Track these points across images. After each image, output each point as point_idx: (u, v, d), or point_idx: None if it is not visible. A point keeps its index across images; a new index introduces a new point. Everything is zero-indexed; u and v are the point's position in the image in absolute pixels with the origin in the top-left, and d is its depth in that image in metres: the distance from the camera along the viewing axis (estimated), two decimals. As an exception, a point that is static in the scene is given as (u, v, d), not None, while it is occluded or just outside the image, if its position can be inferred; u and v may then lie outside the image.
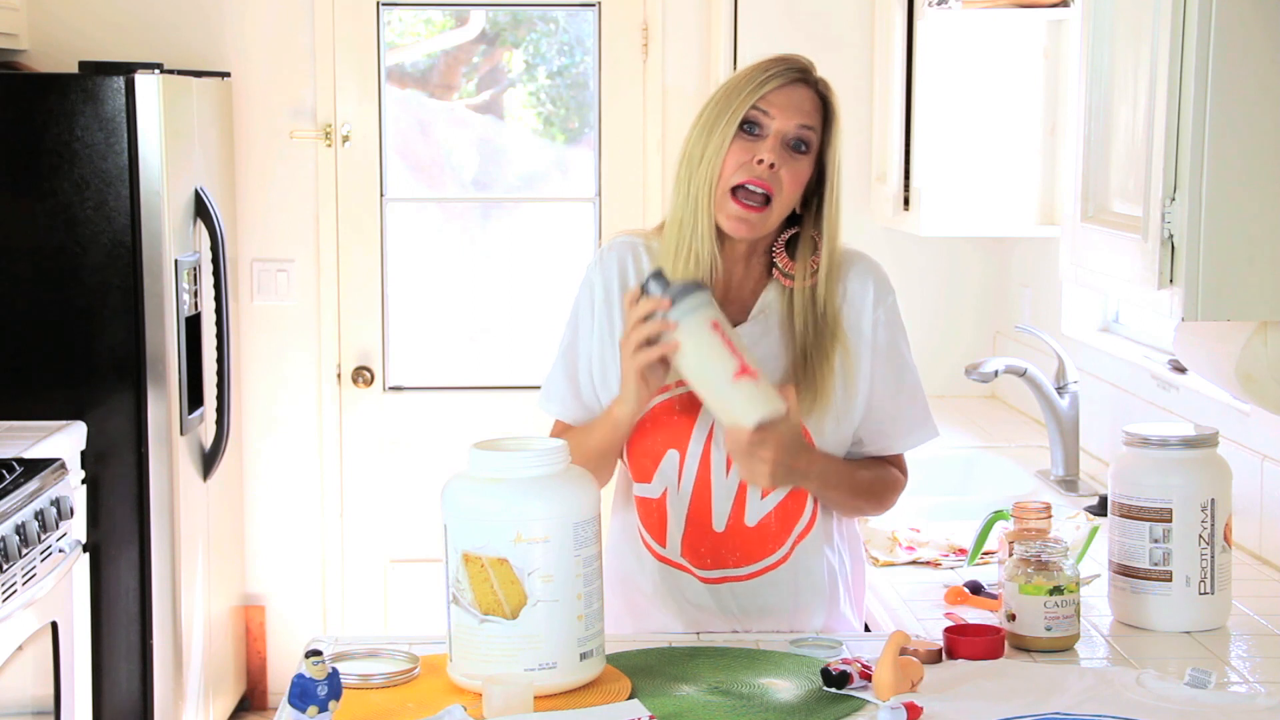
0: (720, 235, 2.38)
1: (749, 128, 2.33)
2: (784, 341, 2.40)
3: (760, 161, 2.31)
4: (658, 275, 2.27)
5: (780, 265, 2.41)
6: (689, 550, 2.44)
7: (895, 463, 2.52)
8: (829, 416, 2.40)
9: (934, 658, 2.23)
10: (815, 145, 2.35)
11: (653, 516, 2.45)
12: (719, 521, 2.42)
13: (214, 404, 4.60)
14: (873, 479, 2.47)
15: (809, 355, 2.38)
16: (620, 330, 2.42)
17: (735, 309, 2.42)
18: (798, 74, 2.36)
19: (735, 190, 2.33)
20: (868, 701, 2.09)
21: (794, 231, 2.41)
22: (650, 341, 2.26)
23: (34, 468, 3.61)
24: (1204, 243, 2.21)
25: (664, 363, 2.29)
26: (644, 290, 2.27)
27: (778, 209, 2.34)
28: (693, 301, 2.24)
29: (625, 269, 2.45)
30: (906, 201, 4.33)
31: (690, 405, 2.39)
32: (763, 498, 2.41)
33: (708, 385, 2.27)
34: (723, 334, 2.24)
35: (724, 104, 2.35)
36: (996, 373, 3.71)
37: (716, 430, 2.39)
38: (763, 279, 2.44)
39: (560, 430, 2.51)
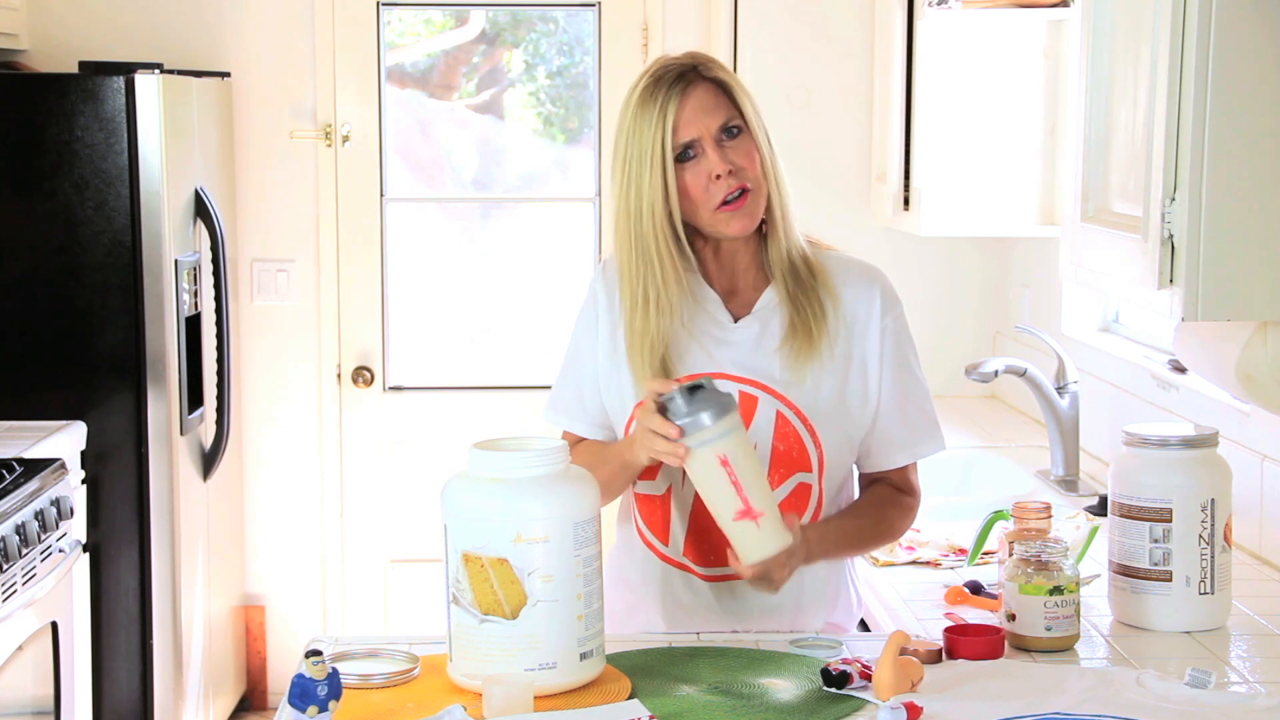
0: (715, 244, 2.40)
1: (683, 154, 2.35)
2: (782, 319, 2.42)
3: (718, 177, 2.34)
4: (683, 391, 2.21)
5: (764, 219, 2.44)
6: (691, 548, 2.44)
7: (901, 482, 2.51)
8: (821, 381, 2.40)
9: (934, 658, 2.23)
10: (742, 121, 2.38)
11: (655, 514, 2.46)
12: (721, 519, 2.43)
13: (214, 404, 4.60)
14: (873, 524, 2.47)
15: (795, 299, 2.40)
16: (624, 339, 2.42)
17: (739, 303, 2.44)
18: (681, 82, 2.36)
19: (718, 205, 2.36)
20: (868, 701, 2.09)
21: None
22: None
23: (34, 468, 3.61)
24: (1204, 243, 2.21)
25: None
26: (667, 403, 2.23)
27: (758, 190, 2.37)
28: (707, 434, 2.20)
29: None
30: (906, 201, 4.33)
31: None
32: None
33: (712, 513, 2.28)
34: (730, 470, 2.21)
35: (640, 146, 2.36)
36: (996, 373, 3.71)
37: None
38: (763, 268, 2.45)
39: (571, 443, 2.50)
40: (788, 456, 2.39)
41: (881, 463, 2.48)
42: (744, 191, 2.35)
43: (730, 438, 2.21)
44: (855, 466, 2.51)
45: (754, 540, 2.23)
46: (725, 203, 2.35)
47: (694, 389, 2.21)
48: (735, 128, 2.36)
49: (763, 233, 2.44)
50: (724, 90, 2.37)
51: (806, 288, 2.41)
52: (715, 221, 2.37)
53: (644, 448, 2.26)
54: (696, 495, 2.42)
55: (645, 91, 2.37)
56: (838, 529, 2.43)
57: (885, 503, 2.49)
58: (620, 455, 2.36)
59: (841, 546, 2.45)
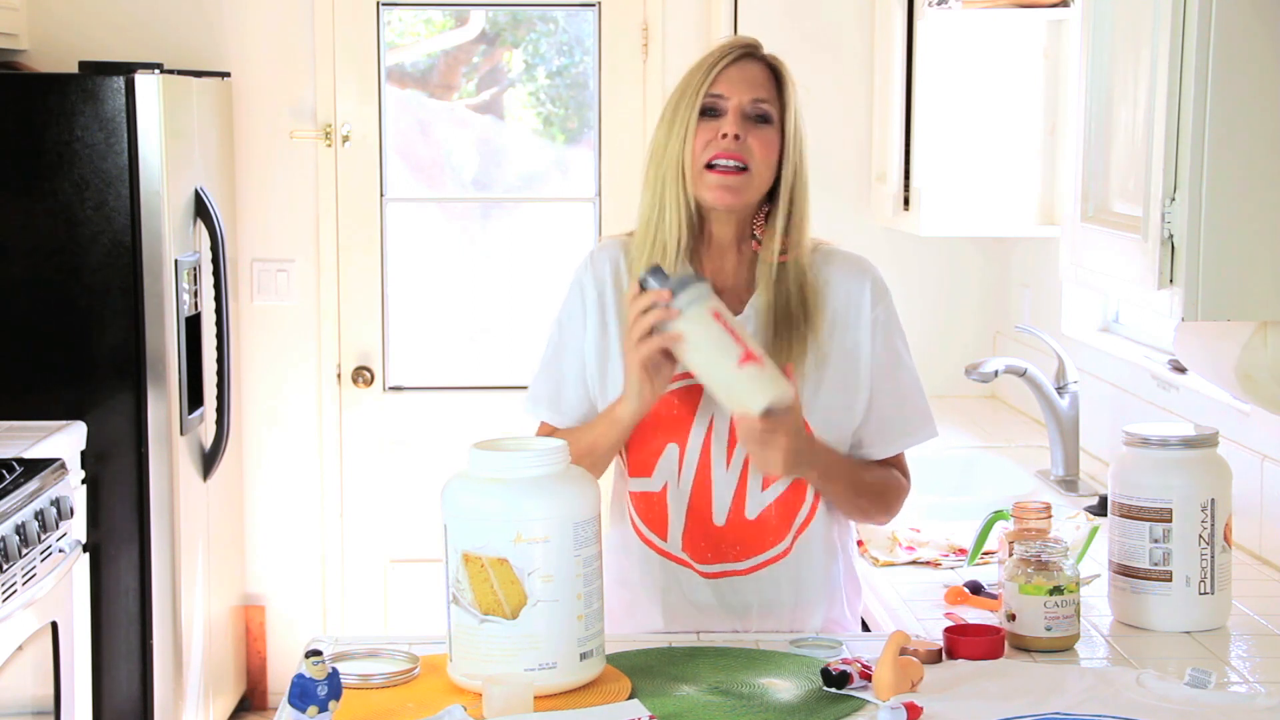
0: (702, 224, 2.40)
1: (709, 112, 2.37)
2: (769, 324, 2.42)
3: (724, 136, 2.34)
4: (654, 270, 2.28)
5: (758, 235, 2.42)
6: (689, 544, 2.45)
7: (897, 465, 2.52)
8: (813, 404, 2.39)
9: (934, 658, 2.23)
10: (777, 116, 2.39)
11: (652, 511, 2.45)
12: (719, 515, 2.42)
13: (214, 404, 4.60)
14: (875, 480, 2.47)
15: (779, 328, 2.39)
16: (616, 330, 2.42)
17: (731, 300, 2.42)
18: (744, 50, 2.40)
19: (709, 165, 2.36)
20: (868, 701, 2.09)
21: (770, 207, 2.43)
22: (653, 334, 2.27)
23: (34, 468, 3.61)
24: (1204, 243, 2.21)
25: (669, 359, 2.29)
26: (642, 285, 2.28)
27: (755, 176, 2.37)
28: (693, 292, 2.25)
29: (617, 269, 2.46)
30: (906, 201, 4.33)
31: (690, 399, 2.39)
32: (764, 489, 2.41)
33: (714, 374, 2.28)
34: (725, 322, 2.25)
35: (680, 95, 2.39)
36: (996, 373, 3.71)
37: (717, 423, 2.40)
38: (755, 267, 2.44)
39: (547, 434, 2.50)
40: None
41: (875, 452, 2.49)
42: (741, 169, 2.35)
43: (714, 297, 2.27)
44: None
45: (761, 382, 2.24)
46: (714, 166, 2.35)
47: (655, 270, 2.28)
48: (767, 115, 2.37)
49: (755, 247, 2.42)
50: (776, 79, 2.40)
51: (794, 321, 2.39)
52: (698, 179, 2.36)
53: (636, 345, 2.26)
54: (692, 492, 2.42)
55: (708, 53, 2.40)
56: (840, 459, 2.42)
57: (882, 469, 2.49)
58: (610, 412, 2.36)
59: (838, 476, 2.42)
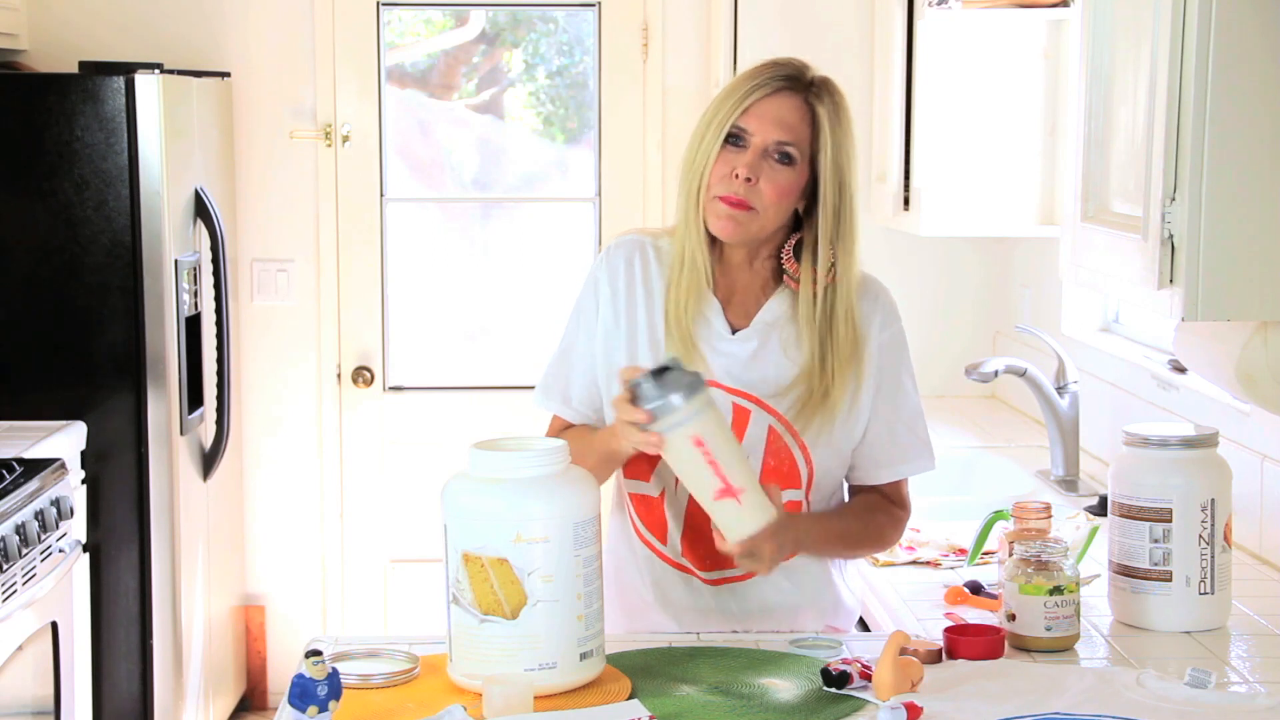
0: (715, 239, 2.39)
1: (733, 140, 2.35)
2: (789, 352, 2.40)
3: (735, 175, 2.32)
4: (653, 375, 2.19)
5: (788, 270, 2.41)
6: (689, 550, 2.44)
7: (893, 494, 2.50)
8: (834, 428, 2.39)
9: (934, 658, 2.23)
10: (804, 154, 2.35)
11: (652, 515, 2.45)
12: (717, 523, 2.42)
13: (214, 404, 4.60)
14: (863, 527, 2.46)
15: (827, 364, 2.37)
16: (626, 326, 2.43)
17: (739, 313, 2.42)
18: (783, 82, 2.35)
19: (720, 195, 2.35)
20: (868, 701, 2.09)
21: (800, 236, 2.41)
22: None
23: (34, 468, 3.61)
24: (1204, 243, 2.21)
25: None
26: (635, 389, 2.20)
27: (762, 216, 2.35)
28: (677, 416, 2.18)
29: (632, 266, 2.45)
30: (906, 201, 4.33)
31: None
32: None
33: (693, 495, 2.27)
34: (706, 450, 2.18)
35: (713, 114, 2.37)
36: (996, 373, 3.71)
37: None
38: (770, 284, 2.43)
39: (559, 428, 2.50)
40: (778, 472, 2.38)
41: (867, 477, 2.48)
42: (750, 208, 2.34)
43: (702, 417, 2.19)
44: (845, 479, 2.51)
45: (736, 518, 2.22)
46: (724, 198, 2.34)
47: (661, 371, 2.19)
48: (790, 155, 2.34)
49: (781, 267, 2.42)
50: (812, 119, 2.35)
51: (843, 350, 2.37)
52: (708, 205, 2.35)
53: (625, 439, 2.24)
54: (691, 499, 2.41)
55: (756, 67, 2.36)
56: (830, 526, 2.43)
57: (876, 510, 2.48)
58: (605, 444, 2.34)
59: (831, 543, 2.43)
